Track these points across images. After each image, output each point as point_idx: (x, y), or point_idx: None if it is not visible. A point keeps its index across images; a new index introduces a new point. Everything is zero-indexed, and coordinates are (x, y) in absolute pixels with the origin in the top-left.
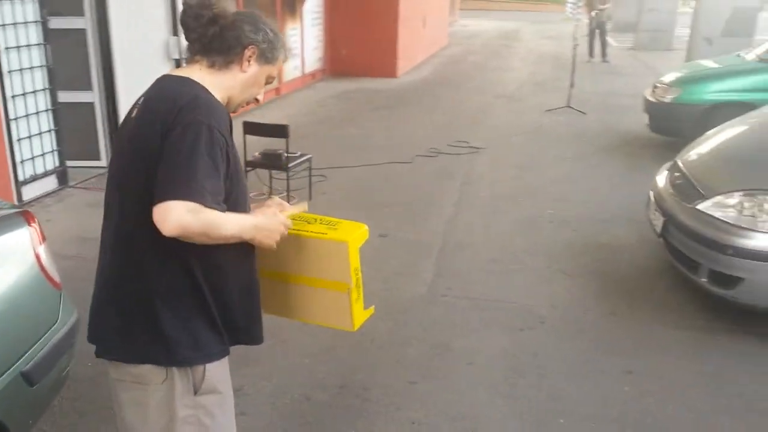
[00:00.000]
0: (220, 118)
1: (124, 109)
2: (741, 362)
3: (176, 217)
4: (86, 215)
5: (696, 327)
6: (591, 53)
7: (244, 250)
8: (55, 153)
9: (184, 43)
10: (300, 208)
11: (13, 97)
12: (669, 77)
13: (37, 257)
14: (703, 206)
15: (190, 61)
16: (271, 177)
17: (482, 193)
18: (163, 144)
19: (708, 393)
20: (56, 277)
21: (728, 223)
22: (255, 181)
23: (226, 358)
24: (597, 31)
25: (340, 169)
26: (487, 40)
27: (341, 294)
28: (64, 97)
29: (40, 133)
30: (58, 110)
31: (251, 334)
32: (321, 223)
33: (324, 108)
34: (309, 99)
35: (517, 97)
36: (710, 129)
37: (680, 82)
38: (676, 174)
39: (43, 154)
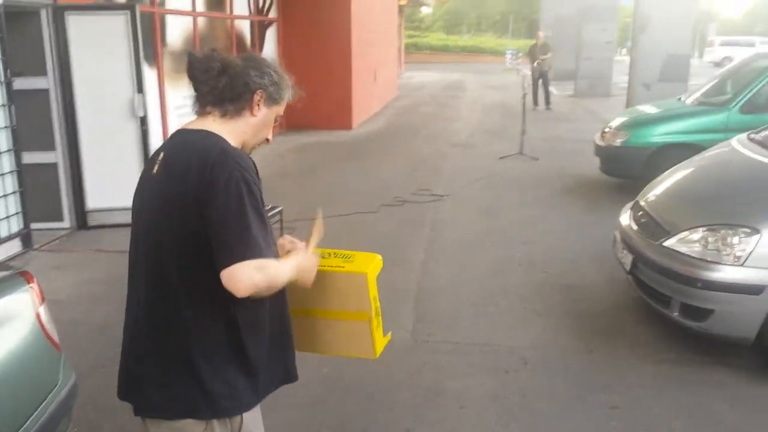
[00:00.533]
0: (249, 167)
1: (87, 167)
2: (718, 392)
3: (247, 278)
4: (53, 278)
5: (670, 360)
6: (536, 102)
7: (279, 293)
8: (20, 215)
9: (149, 100)
10: (319, 222)
11: None
12: (616, 122)
13: (38, 318)
14: (669, 243)
15: (202, 113)
16: None
17: (450, 239)
18: (204, 203)
19: (692, 423)
20: (56, 338)
21: (695, 257)
22: None
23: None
24: (540, 80)
25: (309, 221)
26: (433, 91)
27: (362, 323)
28: (28, 158)
29: (4, 195)
30: (22, 171)
31: (289, 373)
32: (336, 257)
33: (284, 161)
34: (268, 153)
35: (470, 145)
36: (658, 170)
37: (627, 127)
38: (640, 213)
39: (7, 217)
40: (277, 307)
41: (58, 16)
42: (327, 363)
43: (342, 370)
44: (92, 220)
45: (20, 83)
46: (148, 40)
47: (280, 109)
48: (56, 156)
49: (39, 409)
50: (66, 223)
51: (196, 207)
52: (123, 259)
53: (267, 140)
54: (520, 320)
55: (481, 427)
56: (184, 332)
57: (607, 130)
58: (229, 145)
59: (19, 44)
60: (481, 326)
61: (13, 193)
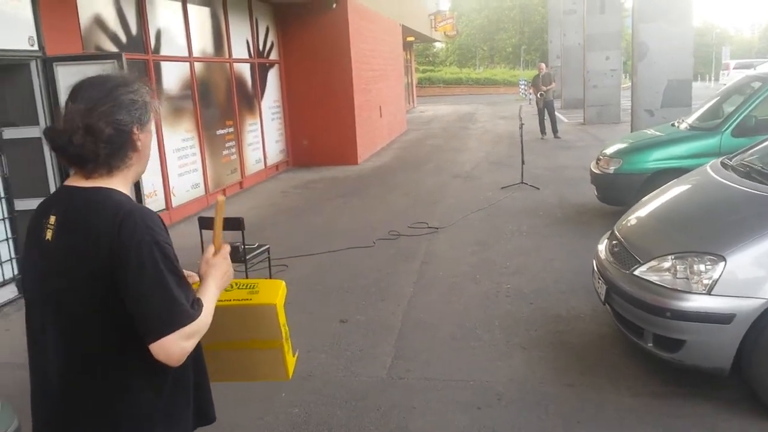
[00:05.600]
0: (157, 225)
1: None
2: (697, 424)
3: (179, 349)
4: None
5: (650, 393)
6: (543, 131)
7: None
8: (13, 261)
9: None
10: (221, 205)
11: None
12: (611, 149)
13: None
14: (639, 271)
15: (86, 172)
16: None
17: (441, 272)
18: (117, 273)
19: None
20: None
21: (664, 286)
22: None
23: None
24: (545, 109)
25: (302, 258)
26: (444, 123)
27: (274, 350)
28: (22, 204)
29: None
30: (15, 218)
31: (208, 416)
32: (240, 288)
33: (287, 198)
34: (272, 190)
35: (473, 176)
36: None
37: (621, 153)
38: (614, 242)
39: (1, 263)
40: (196, 352)
41: (48, 67)
42: (297, 403)
43: (311, 410)
44: None
45: (13, 132)
46: None
47: (153, 120)
48: None
49: None
50: None
51: (107, 277)
52: None
53: None
54: (501, 354)
55: None
56: (109, 399)
57: (601, 157)
58: (133, 203)
59: (11, 95)
60: (460, 361)
61: (6, 239)
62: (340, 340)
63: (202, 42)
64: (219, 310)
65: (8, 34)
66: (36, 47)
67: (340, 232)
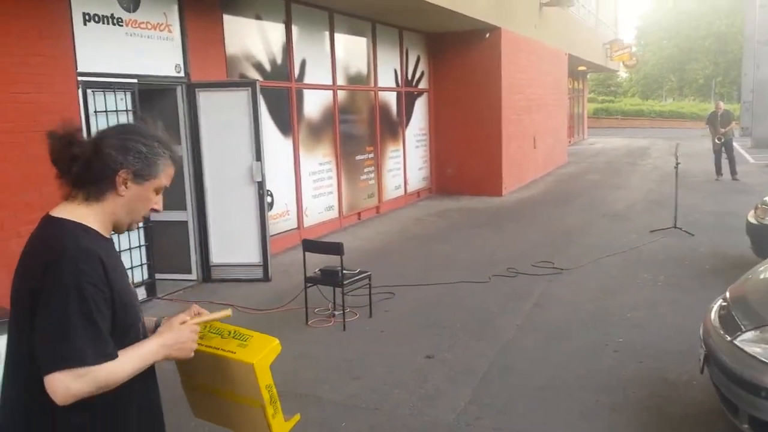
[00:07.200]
0: (87, 266)
1: (212, 226)
2: None
3: (63, 388)
4: None
5: None
6: (719, 171)
7: (131, 381)
8: (145, 266)
9: (284, 167)
10: (222, 314)
11: None
12: None
13: None
14: (740, 340)
15: (67, 195)
16: (334, 293)
17: (550, 318)
18: (35, 306)
19: None
20: None
21: (763, 361)
22: (319, 297)
23: None
24: (723, 148)
25: (412, 287)
26: (611, 158)
27: (257, 409)
28: (165, 216)
29: (129, 248)
30: (149, 228)
31: None
32: (234, 338)
33: (419, 225)
34: (407, 216)
35: (623, 216)
36: None
37: None
38: (723, 304)
39: (131, 267)
40: (134, 392)
41: (191, 93)
42: None
43: None
44: (215, 274)
45: None
46: (284, 112)
47: (158, 182)
48: (187, 215)
49: None
50: (194, 276)
51: (30, 307)
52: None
53: (154, 210)
54: (586, 413)
55: None
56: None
57: (760, 205)
58: (74, 241)
59: (161, 117)
60: (536, 415)
61: (139, 246)
62: (420, 376)
63: (347, 71)
64: (205, 356)
65: (159, 62)
66: (182, 74)
67: (460, 264)
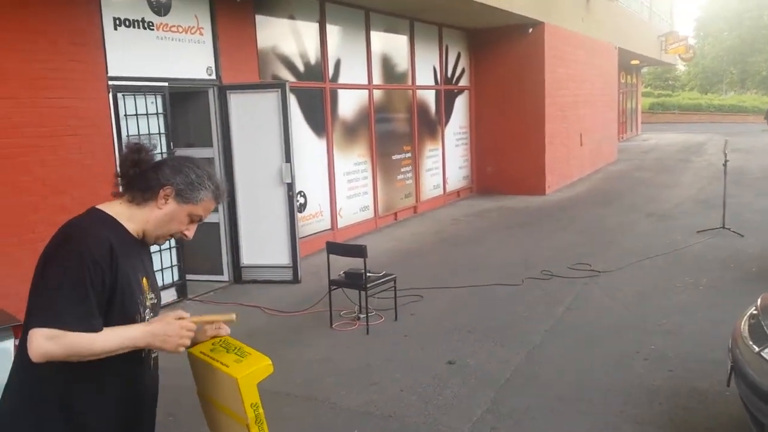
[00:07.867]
0: (95, 244)
1: (243, 227)
2: None
3: (36, 345)
4: None
5: None
6: None
7: (113, 366)
8: (175, 268)
9: (318, 168)
10: (225, 317)
11: None
12: None
13: None
14: (767, 352)
15: (117, 194)
16: (359, 296)
17: (582, 322)
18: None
19: None
20: None
21: None
22: (343, 298)
23: None
24: None
25: (441, 290)
26: (664, 154)
27: (243, 427)
28: None
29: (160, 250)
30: None
31: None
32: (235, 352)
33: (455, 225)
34: (445, 216)
35: (669, 216)
36: None
37: None
38: (754, 312)
39: (162, 269)
40: (114, 379)
41: (222, 94)
42: None
43: None
44: (246, 275)
45: (191, 152)
46: (318, 113)
47: (195, 209)
48: (218, 216)
49: None
50: (225, 277)
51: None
52: (249, 312)
53: (184, 235)
54: (606, 425)
55: None
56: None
57: None
58: (94, 224)
59: (194, 119)
60: (553, 427)
61: (169, 248)
62: (439, 383)
63: (384, 70)
64: (206, 365)
65: (190, 65)
66: (213, 76)
67: (494, 266)
